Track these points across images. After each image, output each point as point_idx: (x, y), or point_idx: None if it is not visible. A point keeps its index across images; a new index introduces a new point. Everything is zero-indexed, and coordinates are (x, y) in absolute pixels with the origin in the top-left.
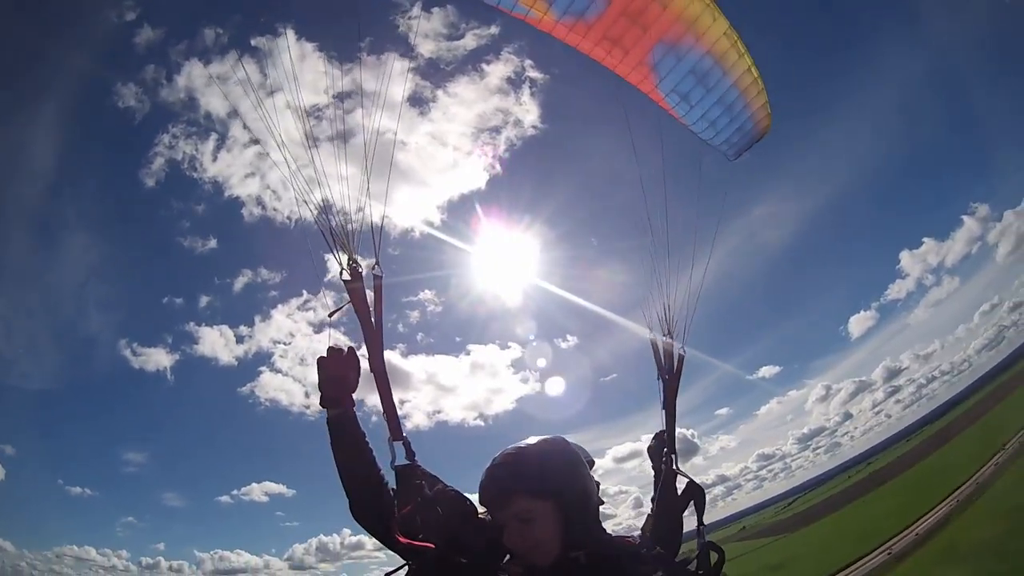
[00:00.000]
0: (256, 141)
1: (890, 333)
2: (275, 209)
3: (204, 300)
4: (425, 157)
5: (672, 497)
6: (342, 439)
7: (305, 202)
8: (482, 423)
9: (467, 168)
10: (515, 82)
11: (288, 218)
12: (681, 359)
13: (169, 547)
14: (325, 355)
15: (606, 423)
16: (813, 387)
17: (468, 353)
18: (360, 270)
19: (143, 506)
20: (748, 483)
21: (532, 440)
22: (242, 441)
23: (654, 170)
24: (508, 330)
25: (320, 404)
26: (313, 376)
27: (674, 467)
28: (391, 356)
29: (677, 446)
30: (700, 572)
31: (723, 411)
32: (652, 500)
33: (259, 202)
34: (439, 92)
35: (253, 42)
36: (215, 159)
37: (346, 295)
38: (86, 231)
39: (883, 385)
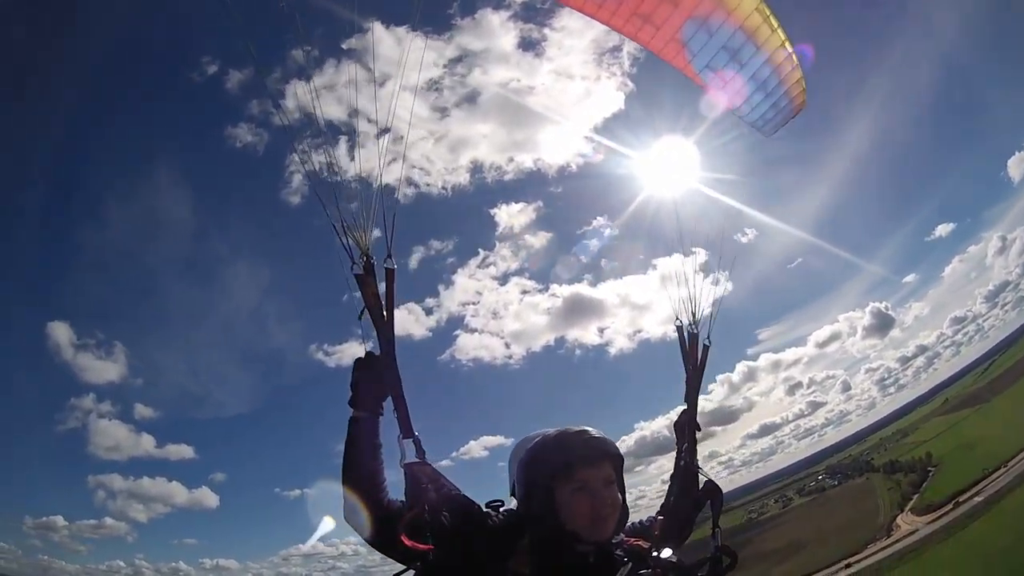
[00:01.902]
0: (386, 130)
1: None
2: (427, 184)
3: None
4: (556, 94)
5: (689, 498)
6: (358, 442)
7: (319, 194)
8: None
9: (600, 93)
10: None
11: (443, 188)
12: (706, 349)
13: None
14: (363, 357)
15: (802, 308)
16: (989, 239)
17: (655, 267)
18: (373, 262)
19: None
20: (946, 350)
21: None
22: (449, 405)
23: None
24: (688, 237)
25: (348, 403)
26: (509, 325)
27: (694, 464)
28: (580, 289)
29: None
30: None
31: (910, 278)
32: (669, 491)
33: (409, 182)
34: (546, 31)
35: (344, 45)
36: (352, 159)
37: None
38: (245, 260)
39: None
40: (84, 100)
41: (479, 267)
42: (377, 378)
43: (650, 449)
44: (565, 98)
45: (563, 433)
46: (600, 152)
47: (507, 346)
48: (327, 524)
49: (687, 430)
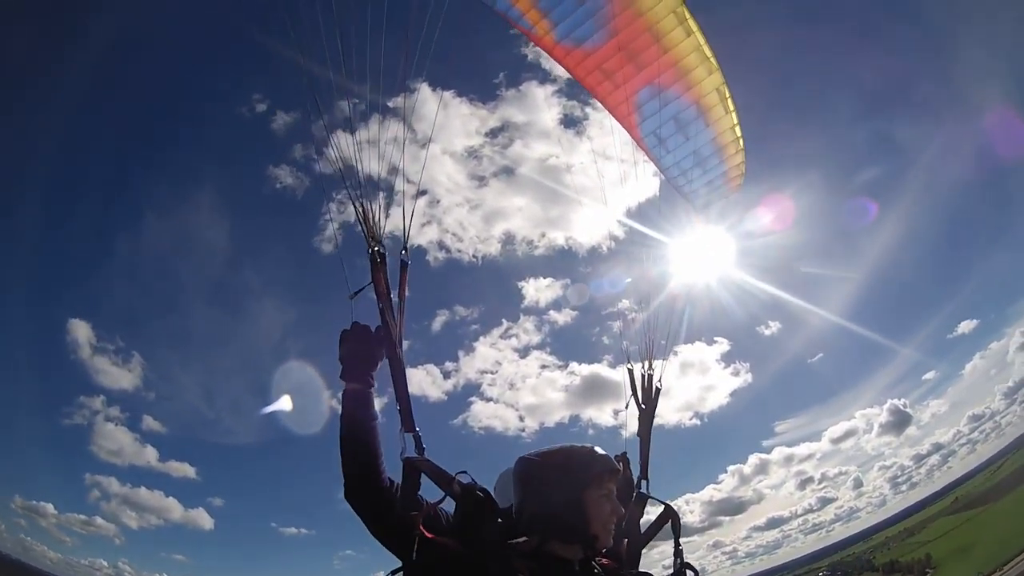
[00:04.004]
0: (423, 192)
1: None
2: (458, 250)
3: (406, 344)
4: (593, 175)
5: (635, 526)
6: (354, 415)
7: (344, 179)
8: (698, 422)
9: (637, 176)
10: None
11: (474, 256)
12: (658, 391)
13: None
14: (350, 328)
15: (819, 404)
16: (1012, 335)
17: (676, 354)
18: (385, 253)
19: (362, 539)
20: (962, 448)
21: None
22: (457, 467)
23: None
24: (711, 325)
25: (340, 377)
26: (525, 398)
27: (645, 492)
28: (600, 370)
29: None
30: None
31: (930, 375)
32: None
33: (441, 246)
34: (588, 109)
35: (391, 104)
36: (388, 215)
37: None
38: (273, 296)
39: None
40: (139, 115)
41: (501, 337)
42: (365, 347)
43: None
44: (601, 179)
45: (591, 448)
46: (632, 236)
47: (521, 419)
48: (284, 402)
49: (640, 462)
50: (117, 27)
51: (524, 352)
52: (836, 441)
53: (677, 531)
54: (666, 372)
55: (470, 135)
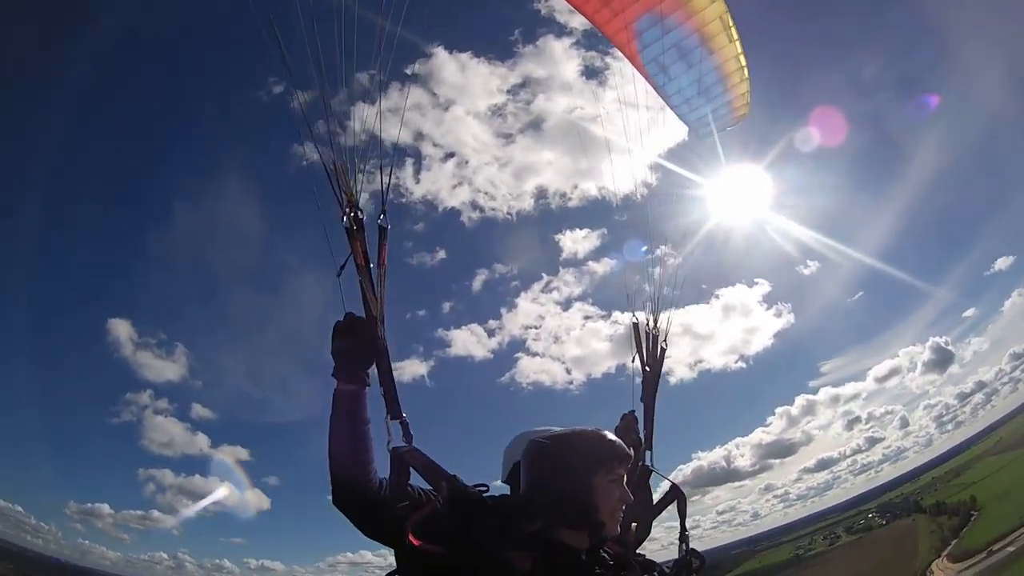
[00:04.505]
0: (451, 155)
1: None
2: (492, 209)
3: (447, 306)
4: (620, 123)
5: (644, 497)
6: (346, 420)
7: (311, 133)
8: (744, 365)
9: (663, 122)
10: None
11: (508, 213)
12: (663, 352)
13: None
14: (343, 321)
15: (862, 343)
16: None
17: (718, 297)
18: (362, 217)
19: None
20: (1004, 387)
21: None
22: (509, 426)
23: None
24: (751, 266)
25: (332, 374)
26: (570, 351)
27: (649, 465)
28: (642, 316)
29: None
30: None
31: (969, 312)
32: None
33: (475, 206)
34: (608, 59)
35: (409, 71)
36: (418, 181)
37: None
38: (311, 271)
39: None
40: (158, 108)
41: (542, 291)
42: (362, 345)
43: (706, 479)
44: (630, 126)
45: (602, 432)
46: (666, 180)
47: (568, 371)
48: (221, 491)
49: (644, 433)
50: (127, 28)
51: (566, 305)
52: (881, 380)
53: (683, 512)
54: (672, 329)
55: (492, 94)
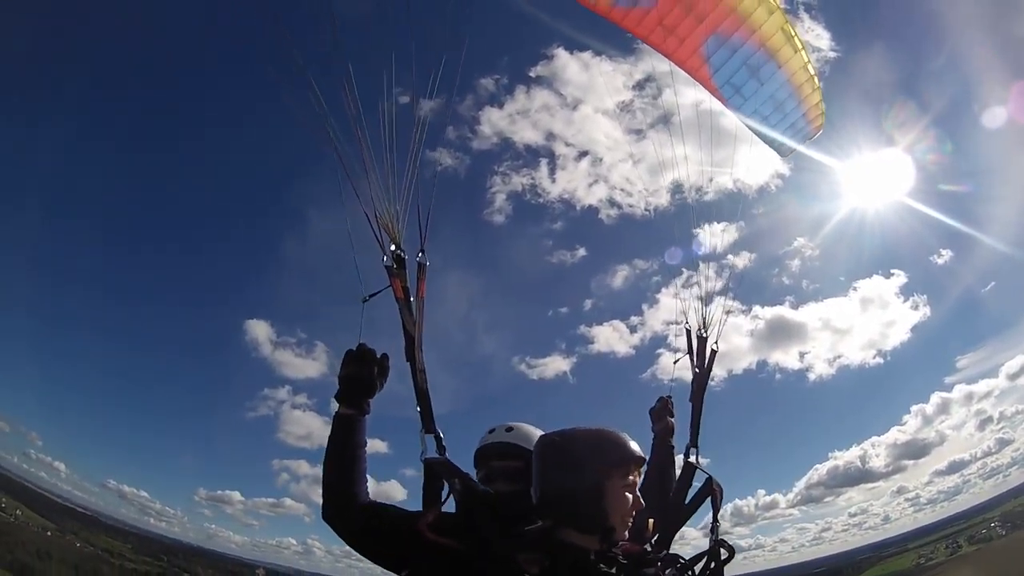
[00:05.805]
0: (584, 153)
1: None
2: (630, 205)
3: (588, 303)
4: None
5: (682, 491)
6: (342, 442)
7: (354, 188)
8: (881, 360)
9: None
10: (793, 7)
11: (646, 209)
12: (714, 353)
13: None
14: (355, 351)
15: (995, 336)
16: None
17: (855, 289)
18: (404, 257)
19: None
20: None
21: None
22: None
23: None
24: (885, 257)
25: (335, 397)
26: None
27: (694, 462)
28: (783, 311)
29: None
30: (710, 571)
31: None
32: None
33: (612, 203)
34: None
35: (532, 73)
36: (553, 180)
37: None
38: (457, 270)
39: None
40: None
41: (683, 286)
42: (369, 374)
43: (841, 480)
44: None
45: (619, 433)
46: (800, 170)
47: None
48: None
49: (690, 432)
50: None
51: (708, 299)
52: (1012, 377)
53: (717, 506)
54: (723, 333)
55: (618, 91)
